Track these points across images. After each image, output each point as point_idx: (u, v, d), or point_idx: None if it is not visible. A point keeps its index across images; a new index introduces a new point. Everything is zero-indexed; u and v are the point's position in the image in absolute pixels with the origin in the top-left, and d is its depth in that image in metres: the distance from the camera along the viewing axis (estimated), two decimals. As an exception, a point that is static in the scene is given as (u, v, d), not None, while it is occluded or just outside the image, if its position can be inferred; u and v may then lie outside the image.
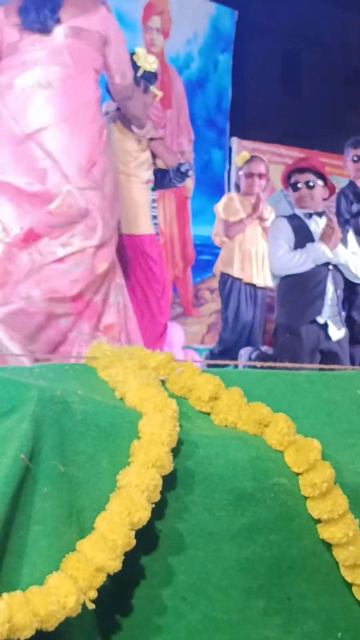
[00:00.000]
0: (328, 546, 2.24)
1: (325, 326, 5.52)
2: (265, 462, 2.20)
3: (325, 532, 2.21)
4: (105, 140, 4.35)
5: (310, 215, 5.67)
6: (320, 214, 5.68)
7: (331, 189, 5.80)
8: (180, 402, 2.22)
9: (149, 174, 5.35)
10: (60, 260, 4.09)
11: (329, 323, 5.53)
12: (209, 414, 2.27)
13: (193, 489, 2.13)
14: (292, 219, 5.73)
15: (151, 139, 5.36)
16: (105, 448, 2.06)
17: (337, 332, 5.57)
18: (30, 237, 4.03)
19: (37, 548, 1.97)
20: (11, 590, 1.92)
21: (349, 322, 5.80)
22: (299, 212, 5.73)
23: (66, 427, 2.02)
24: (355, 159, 6.33)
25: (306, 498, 2.20)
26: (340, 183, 6.78)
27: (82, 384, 2.16)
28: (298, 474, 2.20)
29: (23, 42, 4.17)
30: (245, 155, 6.72)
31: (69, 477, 2.02)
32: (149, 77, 5.25)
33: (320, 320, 5.53)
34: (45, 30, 4.15)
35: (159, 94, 5.30)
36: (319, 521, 2.21)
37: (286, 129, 7.32)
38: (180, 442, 2.10)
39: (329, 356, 5.51)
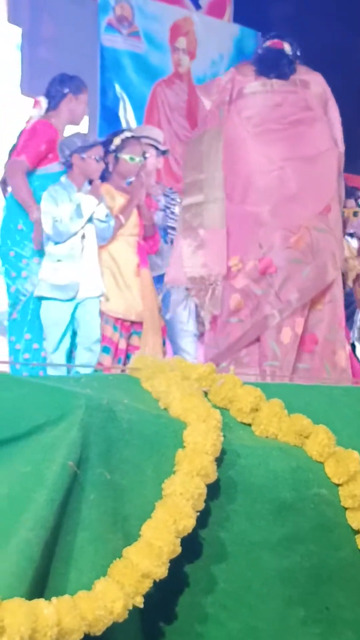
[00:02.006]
0: (366, 557, 2.27)
1: (352, 347, 5.56)
2: (306, 472, 2.23)
3: (365, 543, 2.24)
4: (336, 189, 4.45)
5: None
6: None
7: None
8: (222, 412, 2.26)
9: None
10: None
11: (357, 345, 5.57)
12: (249, 425, 2.31)
13: (235, 498, 2.16)
14: None
15: None
16: (149, 457, 2.10)
17: None
18: (268, 269, 4.10)
19: (84, 554, 2.01)
20: (59, 595, 1.96)
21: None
22: None
23: (112, 435, 2.06)
24: None
25: (346, 509, 2.23)
26: None
27: (126, 394, 2.20)
28: (338, 485, 2.24)
29: (256, 83, 4.26)
30: None
31: (114, 484, 2.06)
32: None
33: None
34: (282, 77, 4.26)
35: None
36: (358, 532, 2.24)
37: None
38: (222, 452, 2.14)
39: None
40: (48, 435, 2.00)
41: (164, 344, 5.50)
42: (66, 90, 5.55)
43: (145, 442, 2.10)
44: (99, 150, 5.23)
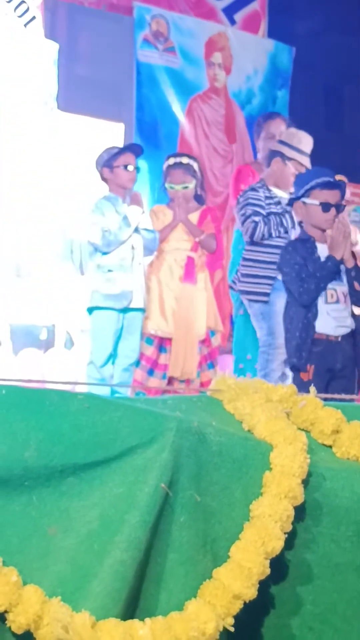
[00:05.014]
0: None
1: None
2: (389, 495, 2.24)
3: None
4: None
5: None
6: None
7: None
8: (304, 434, 2.27)
9: None
10: None
11: None
12: (330, 446, 2.32)
13: (321, 520, 2.18)
14: None
15: None
16: (238, 479, 2.12)
17: None
18: None
19: (174, 575, 2.03)
20: (150, 615, 1.98)
21: None
22: None
23: (202, 457, 2.08)
24: None
25: None
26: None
27: (212, 416, 2.22)
28: None
29: None
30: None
31: (203, 506, 2.08)
32: None
33: None
34: None
35: None
36: None
37: (343, 164, 7.38)
38: (308, 474, 2.15)
39: None
40: (140, 457, 2.03)
41: (210, 366, 5.48)
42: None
43: (234, 465, 2.12)
44: (127, 159, 5.30)
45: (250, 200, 5.43)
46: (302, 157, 5.69)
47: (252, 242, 5.41)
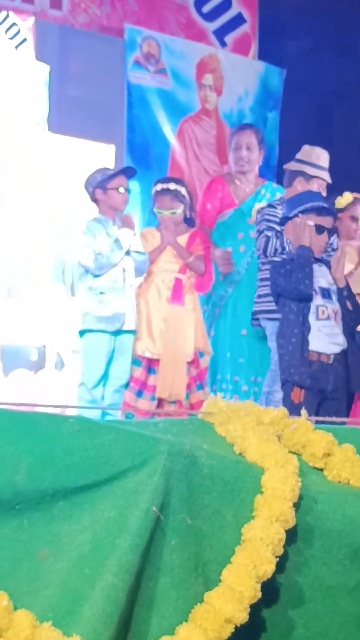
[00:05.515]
0: None
1: None
2: (380, 518, 2.24)
3: None
4: None
5: None
6: None
7: None
8: (295, 457, 2.27)
9: None
10: None
11: None
12: (321, 469, 2.32)
13: (312, 543, 2.18)
14: None
15: None
16: (230, 502, 2.12)
17: None
18: None
19: (166, 599, 2.02)
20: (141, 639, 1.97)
21: None
22: None
23: (194, 481, 2.08)
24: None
25: None
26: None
27: (204, 439, 2.22)
28: None
29: None
30: (349, 197, 6.35)
31: (195, 530, 2.07)
32: None
33: None
34: None
35: None
36: None
37: (335, 185, 7.41)
38: (300, 497, 2.15)
39: None
40: (131, 481, 2.02)
41: (199, 388, 5.47)
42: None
43: (226, 488, 2.12)
44: (121, 181, 5.32)
45: (266, 217, 5.37)
46: (323, 173, 5.67)
47: (268, 261, 5.39)
